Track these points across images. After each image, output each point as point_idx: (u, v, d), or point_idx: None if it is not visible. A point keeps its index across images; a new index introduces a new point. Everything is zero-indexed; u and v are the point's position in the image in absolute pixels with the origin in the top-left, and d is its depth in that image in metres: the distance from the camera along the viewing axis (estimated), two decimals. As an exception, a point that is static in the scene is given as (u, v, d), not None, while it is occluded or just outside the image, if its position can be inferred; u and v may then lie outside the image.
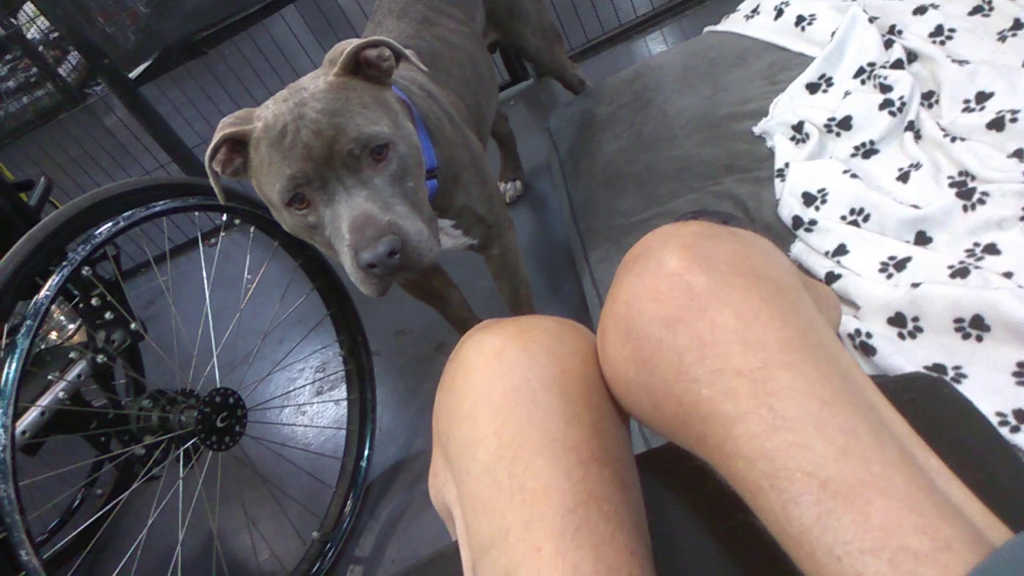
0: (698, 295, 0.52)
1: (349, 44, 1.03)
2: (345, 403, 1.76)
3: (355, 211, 0.97)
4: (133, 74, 2.85)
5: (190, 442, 1.41)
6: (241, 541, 1.79)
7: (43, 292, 1.26)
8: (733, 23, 1.98)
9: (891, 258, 1.21)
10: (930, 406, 0.61)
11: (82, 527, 1.52)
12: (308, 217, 1.01)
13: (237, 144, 1.05)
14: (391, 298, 1.67)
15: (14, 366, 1.21)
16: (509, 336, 0.59)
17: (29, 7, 5.49)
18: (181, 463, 1.42)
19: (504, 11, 1.80)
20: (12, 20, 5.85)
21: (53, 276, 1.28)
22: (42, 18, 4.56)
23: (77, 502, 1.91)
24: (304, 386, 2.14)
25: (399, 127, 1.04)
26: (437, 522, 0.68)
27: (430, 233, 1.02)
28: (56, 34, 5.70)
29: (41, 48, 5.91)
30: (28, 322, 1.24)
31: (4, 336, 1.22)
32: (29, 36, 5.68)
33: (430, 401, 0.64)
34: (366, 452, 1.72)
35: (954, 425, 0.60)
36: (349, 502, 1.67)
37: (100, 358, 1.45)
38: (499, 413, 0.55)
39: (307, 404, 2.08)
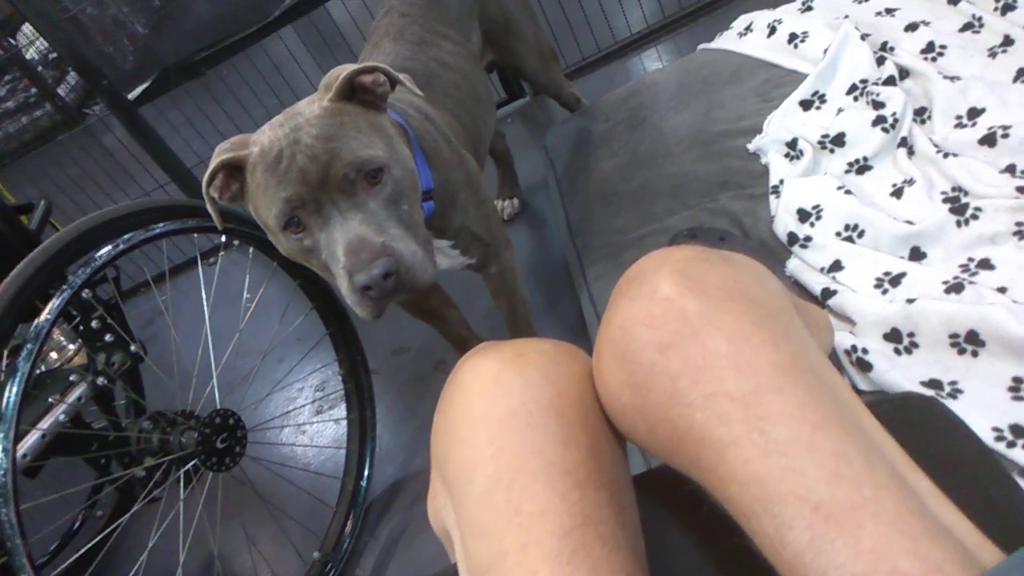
0: (691, 320, 0.53)
1: (344, 70, 1.04)
2: (345, 422, 1.76)
3: (350, 234, 0.98)
4: (132, 95, 2.87)
5: (190, 463, 1.41)
6: (242, 562, 1.79)
7: (43, 315, 1.27)
8: (727, 41, 1.99)
9: (886, 274, 1.22)
10: (922, 425, 0.61)
11: (83, 550, 1.51)
12: (304, 241, 1.02)
13: (234, 170, 1.06)
14: (390, 317, 1.67)
15: (15, 389, 1.21)
16: (505, 360, 0.60)
17: (28, 28, 5.52)
18: (181, 484, 1.42)
19: (500, 31, 1.82)
20: (11, 41, 5.89)
21: (53, 299, 1.29)
22: (41, 39, 4.58)
23: (78, 524, 1.91)
24: (304, 406, 2.14)
25: (394, 151, 1.05)
26: (437, 543, 0.68)
27: (425, 255, 1.03)
28: (55, 55, 5.73)
29: (40, 69, 5.95)
30: (29, 345, 1.24)
31: (4, 359, 1.23)
32: (28, 57, 5.71)
33: (429, 420, 0.65)
34: (366, 472, 1.72)
35: (946, 444, 0.60)
36: (349, 522, 1.67)
37: (100, 380, 1.45)
38: (496, 437, 0.56)
39: (307, 424, 2.09)
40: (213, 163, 1.05)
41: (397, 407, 1.96)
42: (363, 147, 1.00)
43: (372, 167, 1.00)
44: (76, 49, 2.71)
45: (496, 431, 0.56)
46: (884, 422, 0.52)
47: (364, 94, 1.06)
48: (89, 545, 1.54)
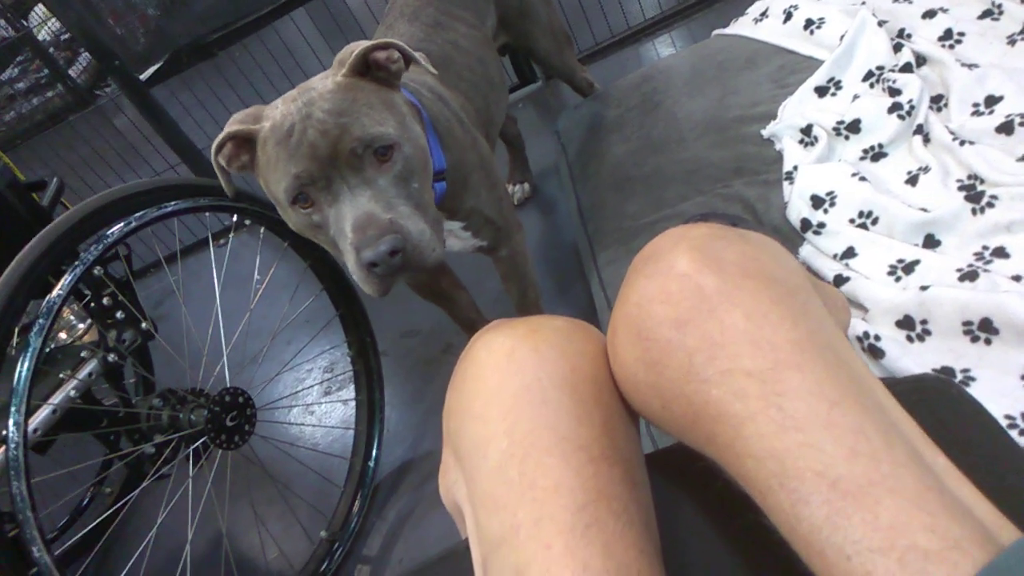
0: (708, 296, 0.52)
1: (359, 45, 1.03)
2: (353, 403, 1.76)
3: (358, 210, 0.98)
4: (143, 76, 2.87)
5: (200, 441, 1.42)
6: (250, 540, 1.80)
7: (55, 291, 1.27)
8: (742, 26, 1.98)
9: (900, 261, 1.21)
10: (939, 407, 0.61)
11: (92, 525, 1.52)
12: (313, 216, 1.02)
13: (244, 141, 1.06)
14: (399, 299, 1.67)
15: (27, 364, 1.22)
16: (520, 336, 0.60)
17: (41, 9, 5.52)
18: (191, 462, 1.43)
19: (515, 14, 1.81)
20: (23, 22, 5.89)
21: (65, 275, 1.29)
22: (53, 20, 4.58)
23: (87, 500, 1.92)
24: (312, 386, 2.15)
25: (405, 129, 1.04)
26: (444, 522, 0.69)
27: (433, 234, 1.02)
28: (67, 35, 5.73)
29: (52, 50, 5.95)
30: (40, 321, 1.25)
31: (17, 335, 1.23)
32: (40, 38, 5.72)
33: (438, 402, 0.65)
34: (374, 452, 1.73)
35: (963, 426, 0.60)
36: (357, 502, 1.68)
37: (111, 357, 1.46)
38: (510, 412, 0.56)
39: (315, 404, 2.09)
40: (224, 131, 1.05)
41: (406, 389, 1.97)
42: (374, 123, 1.00)
43: (382, 144, 0.99)
44: (88, 30, 2.71)
45: (510, 406, 0.56)
46: (901, 403, 0.52)
47: (378, 71, 1.06)
48: (98, 521, 1.55)
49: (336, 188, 0.99)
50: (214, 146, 1.07)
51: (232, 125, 1.05)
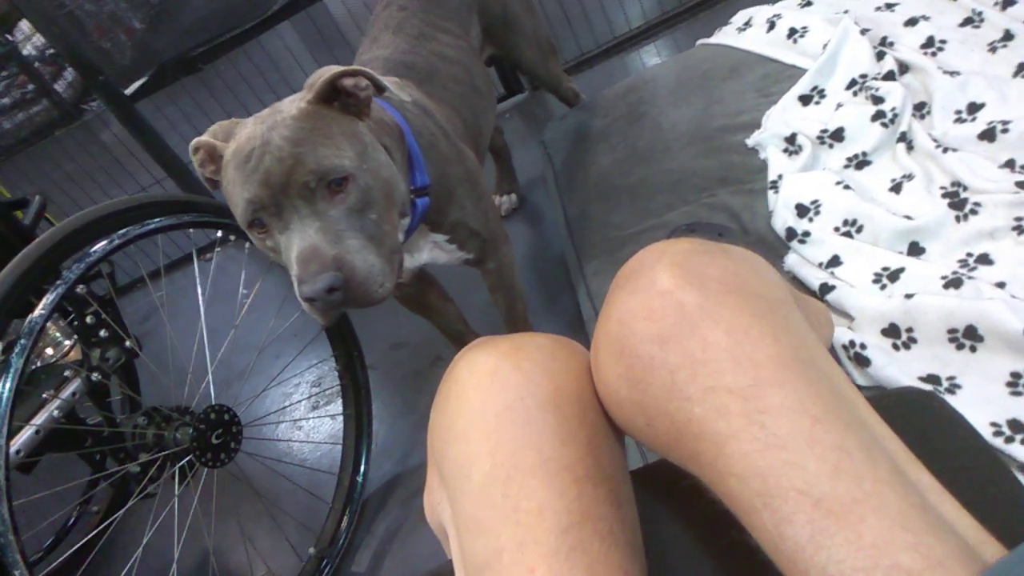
0: (689, 313, 0.52)
1: (328, 71, 1.02)
2: (341, 418, 1.75)
3: (304, 242, 0.97)
4: (129, 90, 2.86)
5: (185, 459, 1.40)
6: (237, 558, 1.78)
7: (38, 311, 1.26)
8: (726, 36, 1.99)
9: (884, 269, 1.21)
10: (922, 420, 0.61)
11: (77, 546, 1.51)
12: (267, 241, 1.02)
13: (213, 154, 1.07)
14: (387, 312, 1.67)
15: (8, 385, 1.20)
16: (503, 354, 0.59)
17: (25, 23, 5.51)
18: (176, 480, 1.42)
19: (500, 24, 1.81)
20: (8, 37, 5.87)
21: (48, 295, 1.27)
22: (38, 35, 4.57)
23: (72, 520, 1.90)
24: (300, 401, 2.14)
25: (365, 159, 1.03)
26: (433, 538, 0.68)
27: (385, 267, 1.01)
28: (52, 51, 5.71)
29: (37, 64, 5.93)
30: (22, 341, 1.23)
31: (-1, 354, 1.22)
32: (25, 52, 5.70)
33: (427, 415, 0.64)
34: (362, 467, 1.71)
35: (945, 439, 0.60)
36: (345, 518, 1.66)
37: (95, 376, 1.44)
38: (493, 432, 0.55)
39: (303, 419, 2.08)
40: (199, 138, 1.07)
41: (394, 402, 1.96)
42: (329, 155, 0.98)
43: (335, 176, 0.98)
44: (73, 45, 2.70)
45: (493, 426, 0.56)
46: (883, 417, 0.52)
47: (347, 97, 1.05)
48: (83, 541, 1.54)
49: (287, 217, 0.99)
50: (190, 147, 1.08)
51: (207, 135, 1.07)
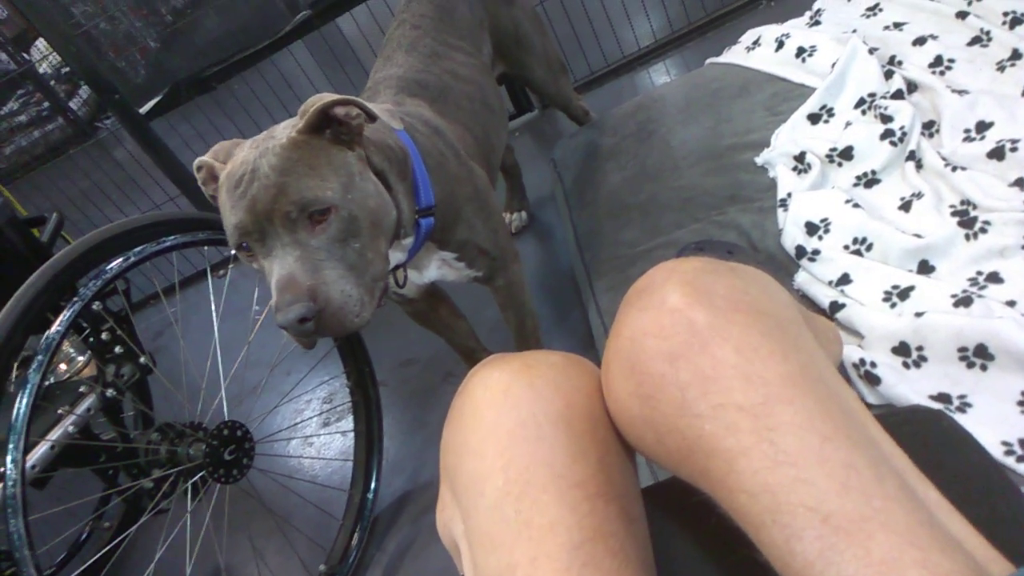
0: (699, 331, 0.53)
1: (321, 99, 1.03)
2: (352, 434, 1.76)
3: (283, 271, 0.99)
4: (143, 109, 2.89)
5: (198, 475, 1.41)
6: (248, 574, 1.78)
7: (54, 327, 1.28)
8: (735, 55, 2.00)
9: (894, 287, 1.21)
10: (931, 439, 0.61)
11: (90, 561, 1.51)
12: (254, 264, 1.05)
13: (212, 174, 1.11)
14: (398, 328, 1.67)
15: (25, 401, 1.22)
16: (515, 372, 0.60)
17: (42, 42, 5.59)
18: (189, 496, 1.43)
19: (511, 43, 1.83)
20: (25, 55, 5.96)
21: (64, 311, 1.29)
22: (54, 53, 4.64)
23: (84, 536, 1.91)
24: (311, 418, 2.15)
25: (350, 190, 1.04)
26: (444, 555, 0.68)
27: (364, 296, 1.02)
28: (67, 69, 5.79)
29: (53, 83, 6.01)
30: (39, 357, 1.25)
31: (15, 370, 1.23)
32: (41, 71, 5.78)
33: (437, 432, 0.65)
34: (373, 484, 1.72)
35: (954, 457, 0.60)
36: (356, 535, 1.67)
37: (109, 392, 1.46)
38: (505, 449, 0.56)
39: (314, 436, 2.09)
40: (202, 157, 1.11)
41: (405, 419, 1.96)
42: (312, 187, 1.00)
43: (317, 208, 1.00)
44: (88, 63, 2.74)
45: (506, 443, 0.56)
46: (892, 435, 0.52)
47: (339, 126, 1.06)
48: (96, 556, 1.54)
49: (270, 244, 1.01)
50: (194, 166, 1.12)
51: (209, 154, 1.11)
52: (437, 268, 1.36)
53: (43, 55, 5.64)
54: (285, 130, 1.05)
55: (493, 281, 1.46)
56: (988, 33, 1.54)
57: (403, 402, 2.01)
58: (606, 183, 1.86)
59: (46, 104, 5.95)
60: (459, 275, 1.40)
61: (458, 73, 1.54)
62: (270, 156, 1.01)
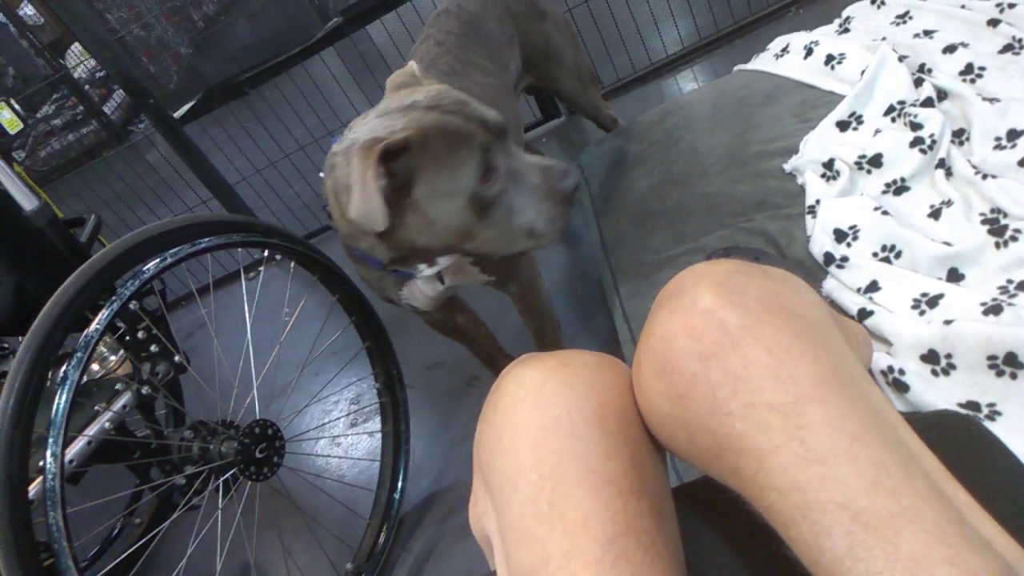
0: (731, 331, 0.54)
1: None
2: (379, 435, 1.78)
3: (541, 162, 1.15)
4: (178, 113, 2.94)
5: (229, 472, 1.44)
6: (277, 571, 1.81)
7: (93, 326, 1.31)
8: (763, 62, 2.00)
9: (923, 295, 1.21)
10: (959, 443, 0.61)
11: (122, 556, 1.54)
12: (493, 187, 1.11)
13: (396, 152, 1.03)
14: (424, 332, 1.69)
15: (65, 397, 1.25)
16: (550, 370, 0.62)
17: (77, 47, 5.70)
18: (220, 493, 1.45)
19: (541, 56, 1.84)
20: (60, 61, 6.07)
21: (103, 310, 1.32)
22: (89, 58, 4.73)
23: (117, 531, 1.95)
24: (339, 418, 2.17)
25: None
26: (469, 557, 0.70)
27: None
28: (102, 74, 5.90)
29: (87, 87, 6.12)
30: (78, 354, 1.28)
31: (55, 367, 1.27)
32: (76, 76, 5.89)
33: (463, 434, 0.67)
34: (399, 484, 1.74)
35: (983, 462, 0.60)
36: (382, 534, 1.68)
37: (145, 389, 1.49)
38: (539, 445, 0.57)
39: (342, 436, 2.11)
40: (375, 151, 0.99)
41: (431, 421, 1.98)
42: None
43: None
44: (124, 68, 2.80)
45: (540, 439, 0.58)
46: (920, 437, 0.53)
47: None
48: (128, 551, 1.57)
49: (505, 151, 1.13)
50: (372, 160, 0.99)
51: (380, 143, 1.00)
52: (452, 273, 1.38)
53: (78, 60, 5.75)
54: (411, 93, 1.15)
55: (506, 287, 1.48)
56: (1020, 41, 1.54)
57: (429, 405, 2.03)
58: (633, 189, 1.86)
59: (80, 108, 6.07)
60: (473, 279, 1.41)
61: (473, 92, 1.56)
62: (448, 93, 1.13)
